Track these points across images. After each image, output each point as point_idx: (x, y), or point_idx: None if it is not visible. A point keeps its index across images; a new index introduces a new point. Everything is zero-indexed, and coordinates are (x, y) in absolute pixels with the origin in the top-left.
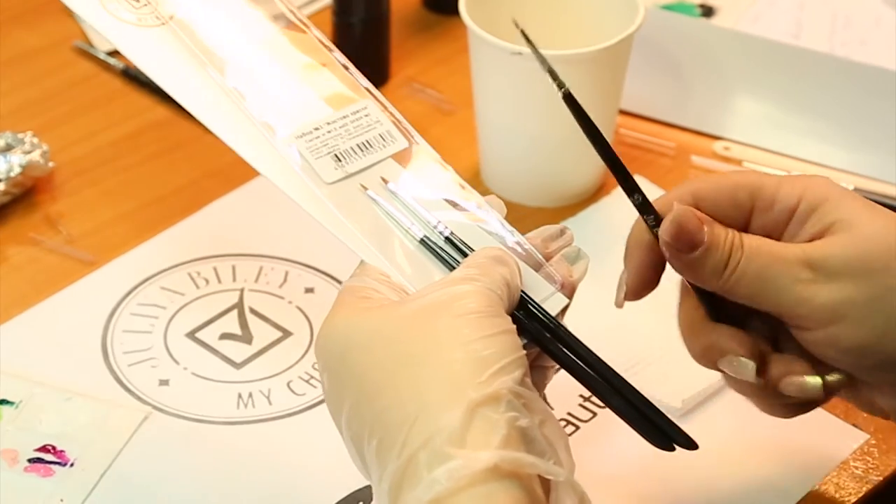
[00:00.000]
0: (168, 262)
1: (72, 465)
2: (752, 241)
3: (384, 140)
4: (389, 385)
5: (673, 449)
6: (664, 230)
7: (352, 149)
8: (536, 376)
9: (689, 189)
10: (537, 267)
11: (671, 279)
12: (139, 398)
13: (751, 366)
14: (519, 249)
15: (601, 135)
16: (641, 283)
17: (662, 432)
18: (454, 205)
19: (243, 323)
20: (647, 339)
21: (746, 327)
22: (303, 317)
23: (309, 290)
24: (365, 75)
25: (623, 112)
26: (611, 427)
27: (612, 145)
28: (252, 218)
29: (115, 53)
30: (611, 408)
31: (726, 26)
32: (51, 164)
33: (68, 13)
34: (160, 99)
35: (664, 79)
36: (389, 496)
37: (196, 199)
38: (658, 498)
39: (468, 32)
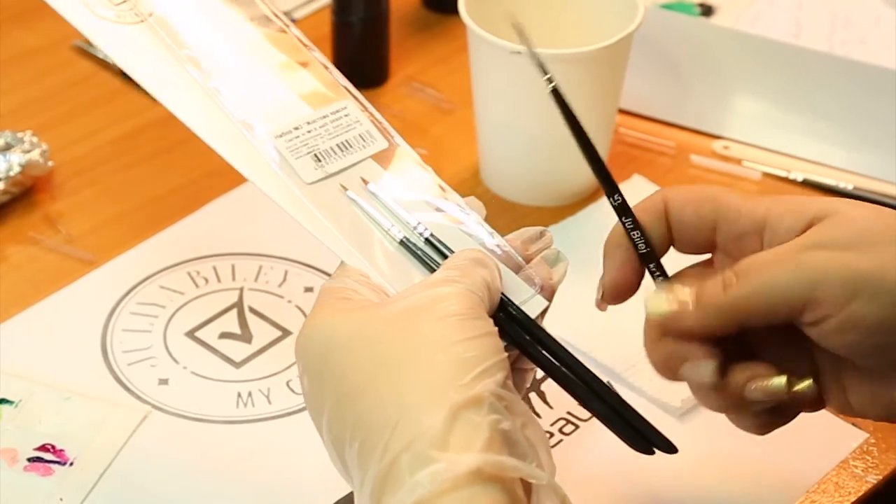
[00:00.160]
0: (167, 261)
1: (71, 464)
2: (739, 264)
3: (364, 140)
4: (371, 387)
5: (653, 453)
6: (651, 318)
7: (331, 149)
8: (516, 378)
9: (661, 195)
10: (517, 269)
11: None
12: (139, 397)
13: (710, 366)
14: (499, 251)
15: (585, 133)
16: (620, 287)
17: (642, 436)
18: (434, 206)
19: (243, 322)
20: None
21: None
22: (302, 316)
23: (308, 290)
24: (364, 74)
25: (622, 111)
26: None
27: (611, 144)
28: (251, 217)
29: None
30: (590, 411)
31: (726, 25)
32: (50, 163)
33: None
34: None
35: (664, 78)
36: (371, 500)
37: (195, 198)
38: (658, 497)
39: (468, 31)
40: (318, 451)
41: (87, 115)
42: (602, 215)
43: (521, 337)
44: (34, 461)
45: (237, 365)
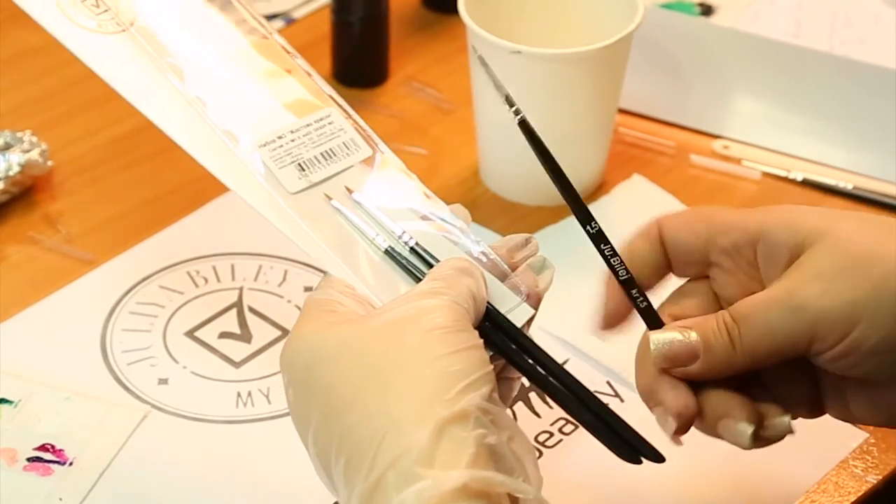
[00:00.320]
0: (167, 260)
1: (71, 463)
2: (736, 308)
3: (348, 148)
4: (357, 400)
5: (640, 462)
6: (657, 362)
7: (315, 157)
8: (503, 388)
9: (656, 221)
10: (503, 277)
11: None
12: (138, 397)
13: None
14: (484, 259)
15: (557, 164)
16: (613, 315)
17: (629, 445)
18: (419, 214)
19: (242, 322)
20: None
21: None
22: None
23: (308, 289)
24: (364, 74)
25: (622, 111)
26: None
27: (611, 144)
28: (251, 217)
29: None
30: (576, 420)
31: (726, 25)
32: (50, 162)
33: None
34: None
35: (664, 77)
36: None
37: (195, 197)
38: (658, 496)
39: (467, 31)
40: None
41: (86, 115)
42: (602, 215)
43: (507, 346)
44: (34, 461)
45: (237, 365)
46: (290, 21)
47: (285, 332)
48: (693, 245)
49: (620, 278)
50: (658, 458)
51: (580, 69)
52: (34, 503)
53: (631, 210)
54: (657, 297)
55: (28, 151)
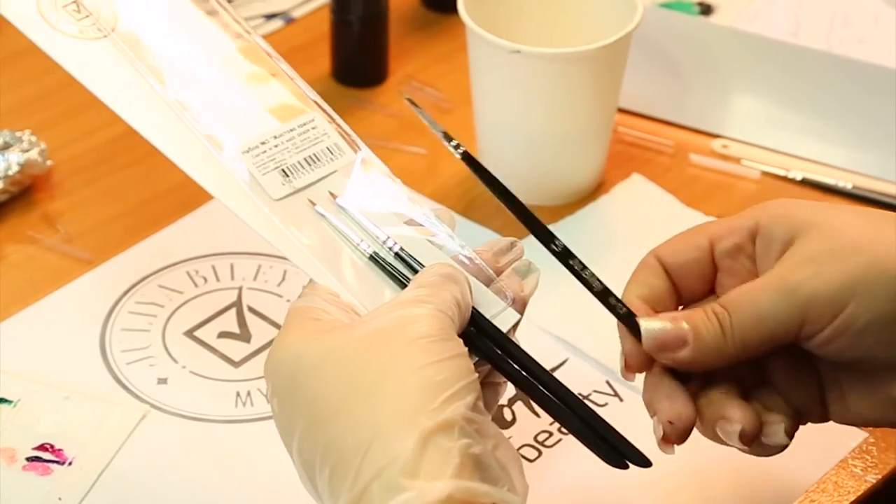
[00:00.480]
0: (166, 260)
1: (70, 463)
2: (727, 296)
3: (332, 153)
4: (342, 409)
5: (626, 467)
6: (648, 348)
7: (299, 163)
8: (488, 394)
9: (651, 252)
10: (488, 282)
11: None
12: (137, 397)
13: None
14: (469, 264)
15: (507, 189)
16: (638, 364)
17: (616, 450)
18: (404, 218)
19: (242, 321)
20: None
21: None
22: None
23: None
24: (363, 73)
25: (622, 110)
26: None
27: (610, 143)
28: None
29: None
30: (562, 425)
31: (725, 24)
32: (49, 162)
33: None
34: None
35: (663, 77)
36: None
37: (194, 197)
38: (658, 496)
39: (467, 31)
40: None
41: (85, 114)
42: (602, 215)
43: (493, 351)
44: (33, 460)
45: (236, 364)
46: (289, 20)
47: None
48: (698, 258)
49: (594, 291)
50: (645, 462)
51: (580, 69)
52: (33, 503)
53: (630, 209)
54: None
55: (27, 151)
